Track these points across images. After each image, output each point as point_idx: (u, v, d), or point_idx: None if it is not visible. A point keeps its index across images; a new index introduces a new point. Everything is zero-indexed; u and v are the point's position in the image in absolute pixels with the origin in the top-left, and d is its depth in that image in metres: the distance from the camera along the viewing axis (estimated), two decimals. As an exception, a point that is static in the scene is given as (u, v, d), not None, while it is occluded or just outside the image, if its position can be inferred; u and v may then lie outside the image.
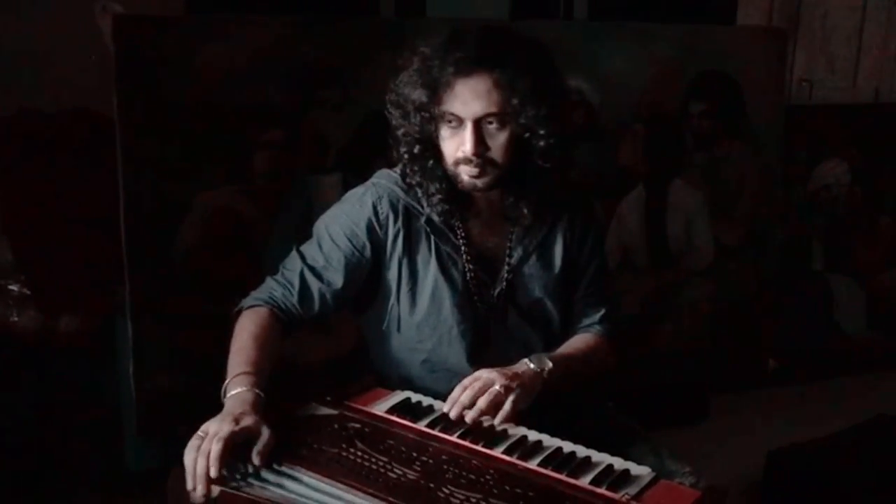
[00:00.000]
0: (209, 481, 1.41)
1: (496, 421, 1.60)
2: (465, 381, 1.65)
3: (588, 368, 1.85)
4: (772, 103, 3.28)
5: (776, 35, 3.30)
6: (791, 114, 3.44)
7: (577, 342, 1.89)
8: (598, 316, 1.93)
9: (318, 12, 2.83)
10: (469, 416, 1.59)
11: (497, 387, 1.61)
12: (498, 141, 1.69)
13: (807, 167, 3.73)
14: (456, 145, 1.69)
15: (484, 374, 1.65)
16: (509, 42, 1.68)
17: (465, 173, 1.71)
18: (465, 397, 1.61)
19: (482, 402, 1.60)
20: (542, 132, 1.69)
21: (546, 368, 1.71)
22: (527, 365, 1.71)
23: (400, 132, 1.75)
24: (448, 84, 1.65)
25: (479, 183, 1.72)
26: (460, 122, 1.67)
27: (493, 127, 1.68)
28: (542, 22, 3.24)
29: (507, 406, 1.60)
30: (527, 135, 1.69)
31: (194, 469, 1.42)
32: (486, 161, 1.69)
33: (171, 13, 2.77)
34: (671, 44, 3.06)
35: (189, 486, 1.42)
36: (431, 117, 1.69)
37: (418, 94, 1.67)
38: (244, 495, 1.40)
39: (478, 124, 1.66)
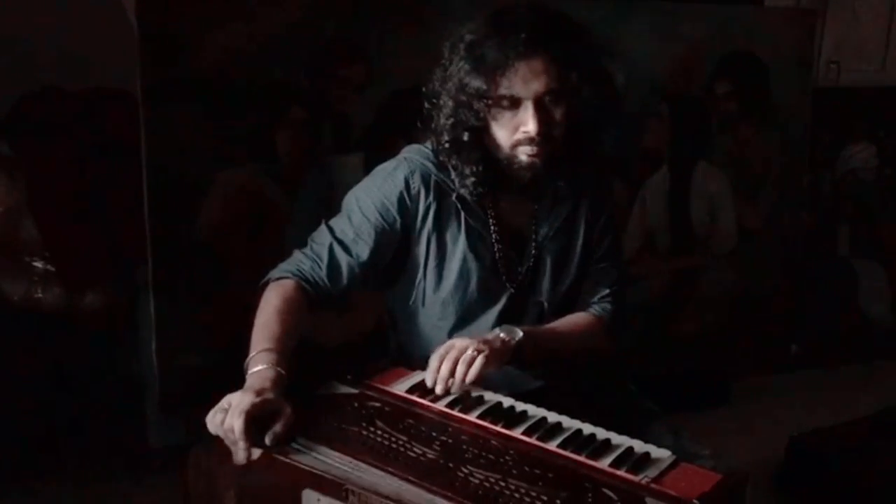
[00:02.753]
0: (249, 443, 1.42)
1: (467, 380, 1.62)
2: (440, 351, 1.67)
3: (571, 345, 1.85)
4: (799, 85, 3.25)
5: (804, 16, 3.26)
6: (818, 96, 3.41)
7: (568, 319, 1.89)
8: (598, 296, 1.92)
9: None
10: (454, 389, 1.63)
11: (470, 352, 1.64)
12: (556, 117, 1.69)
13: (833, 150, 3.69)
14: (514, 127, 1.69)
15: (457, 342, 1.67)
16: (559, 20, 1.69)
17: (525, 154, 1.71)
18: (445, 369, 1.63)
19: (460, 372, 1.62)
20: (596, 104, 1.70)
21: (515, 338, 1.72)
22: (496, 333, 1.73)
23: (449, 122, 1.73)
24: (507, 67, 1.64)
25: (538, 161, 1.71)
26: (517, 104, 1.67)
27: (551, 105, 1.68)
28: (566, 1, 3.21)
29: (476, 365, 1.62)
30: (581, 109, 1.70)
31: (227, 439, 1.43)
32: (546, 139, 1.69)
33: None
34: (697, 24, 3.03)
35: (234, 455, 1.44)
36: (491, 103, 1.68)
37: (478, 82, 1.66)
38: (284, 459, 1.40)
39: (538, 103, 1.66)
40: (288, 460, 1.41)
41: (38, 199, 2.71)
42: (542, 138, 1.68)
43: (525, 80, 1.64)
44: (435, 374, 1.65)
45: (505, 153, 1.73)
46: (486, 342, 1.68)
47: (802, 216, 3.48)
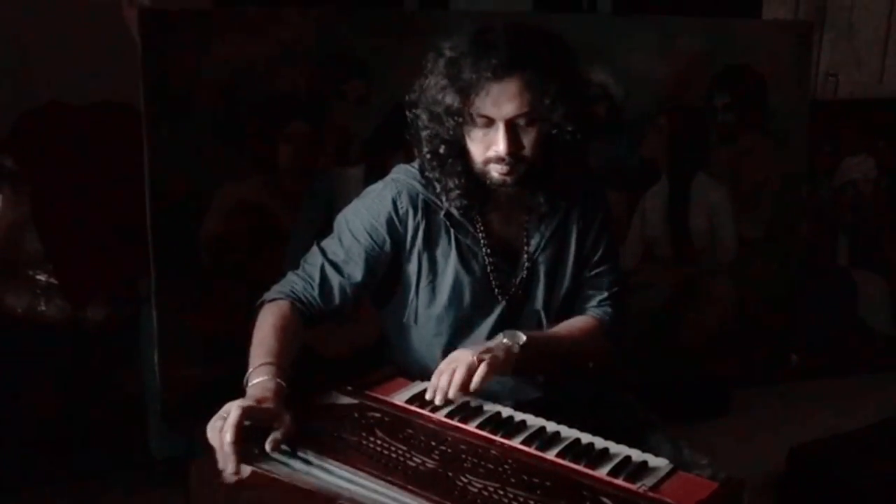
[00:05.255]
0: (239, 459, 1.42)
1: (471, 386, 1.63)
2: (441, 366, 1.69)
3: (575, 349, 1.86)
4: (797, 97, 3.25)
5: (802, 29, 3.27)
6: (817, 108, 3.42)
7: (569, 323, 1.90)
8: (597, 300, 1.94)
9: (342, 5, 2.84)
10: (451, 394, 1.64)
11: (471, 358, 1.65)
12: (528, 139, 1.71)
13: (832, 162, 3.70)
14: (486, 145, 1.72)
15: (457, 353, 1.70)
16: (537, 42, 1.70)
17: (496, 171, 1.73)
18: (444, 381, 1.65)
19: (457, 377, 1.63)
20: (570, 128, 1.72)
21: (518, 342, 1.73)
22: (499, 339, 1.74)
23: (425, 133, 1.77)
24: (480, 87, 1.66)
25: (509, 179, 1.74)
26: (491, 122, 1.69)
27: (523, 125, 1.70)
28: (565, 15, 3.24)
29: (481, 370, 1.63)
30: (554, 131, 1.72)
31: (221, 447, 1.44)
32: (517, 159, 1.71)
33: (198, 7, 2.79)
34: (695, 37, 3.04)
35: (220, 465, 1.44)
36: (463, 121, 1.70)
37: (450, 99, 1.68)
38: (275, 476, 1.41)
39: (510, 124, 1.68)
40: (279, 477, 1.41)
41: (42, 213, 2.73)
42: (513, 158, 1.70)
43: (497, 103, 1.66)
44: (435, 388, 1.67)
45: (478, 168, 1.75)
46: (487, 350, 1.69)
47: (802, 227, 3.49)
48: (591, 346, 1.90)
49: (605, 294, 1.94)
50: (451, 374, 1.65)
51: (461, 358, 1.67)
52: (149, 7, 2.50)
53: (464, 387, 1.63)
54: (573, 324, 1.91)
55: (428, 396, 1.68)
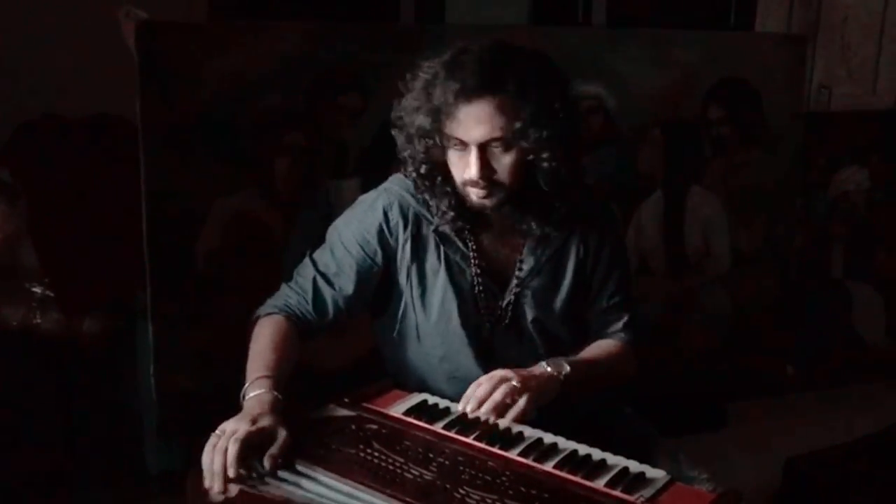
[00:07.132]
0: (226, 479, 1.42)
1: (508, 416, 1.61)
2: (481, 379, 1.67)
3: (609, 374, 1.85)
4: (790, 110, 3.27)
5: (795, 41, 3.30)
6: (810, 120, 3.44)
7: (598, 348, 1.88)
8: (620, 324, 1.91)
9: (338, 18, 2.85)
10: (485, 408, 1.61)
11: (514, 382, 1.63)
12: (503, 163, 1.67)
13: (826, 174, 3.72)
14: (462, 168, 1.68)
15: (499, 372, 1.67)
16: (512, 63, 1.64)
17: (474, 194, 1.71)
18: (482, 391, 1.63)
19: (498, 395, 1.61)
20: (545, 155, 1.67)
21: (563, 372, 1.71)
22: (543, 367, 1.72)
23: (406, 153, 1.75)
24: (450, 109, 1.62)
25: (488, 202, 1.71)
26: (465, 145, 1.66)
27: (498, 150, 1.66)
28: (560, 28, 3.26)
29: (521, 403, 1.61)
30: (531, 157, 1.67)
31: (211, 467, 1.44)
32: (492, 183, 1.68)
33: (195, 20, 2.80)
34: (689, 50, 3.06)
35: (206, 484, 1.44)
36: (436, 143, 1.68)
37: (421, 121, 1.66)
38: (263, 494, 1.41)
39: (483, 148, 1.65)
40: (267, 496, 1.41)
41: (38, 225, 2.73)
42: (487, 182, 1.67)
43: (468, 126, 1.63)
44: (469, 397, 1.65)
45: (460, 189, 1.73)
46: (530, 376, 1.67)
47: (796, 239, 3.50)
48: (623, 369, 1.89)
49: (626, 318, 1.91)
50: (490, 388, 1.63)
51: (503, 376, 1.65)
52: (145, 20, 2.50)
53: (499, 413, 1.61)
54: (604, 348, 1.88)
55: (461, 406, 1.66)
